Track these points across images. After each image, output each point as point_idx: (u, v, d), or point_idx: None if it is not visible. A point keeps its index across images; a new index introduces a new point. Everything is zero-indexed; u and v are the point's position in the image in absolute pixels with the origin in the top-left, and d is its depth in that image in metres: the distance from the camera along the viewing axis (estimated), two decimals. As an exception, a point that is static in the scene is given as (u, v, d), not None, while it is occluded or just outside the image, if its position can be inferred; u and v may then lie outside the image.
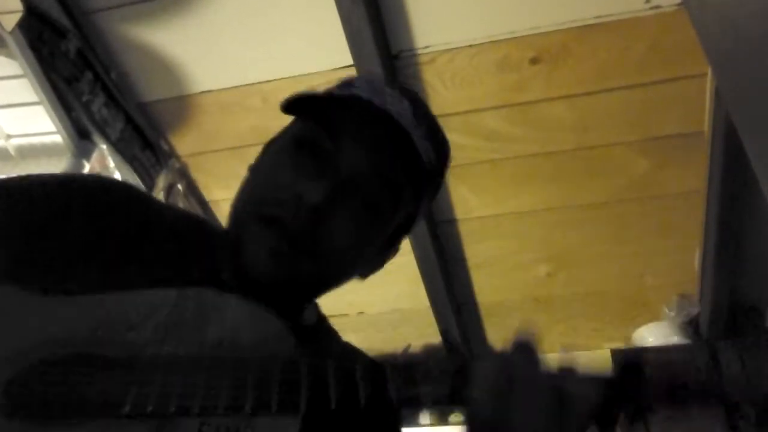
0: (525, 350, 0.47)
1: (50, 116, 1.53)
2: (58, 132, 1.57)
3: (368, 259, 0.65)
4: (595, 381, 0.47)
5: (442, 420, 2.16)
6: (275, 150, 0.63)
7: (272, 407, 0.43)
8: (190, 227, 0.70)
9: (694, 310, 2.25)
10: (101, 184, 0.68)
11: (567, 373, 0.47)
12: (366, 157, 0.58)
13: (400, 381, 0.46)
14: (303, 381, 0.44)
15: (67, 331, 0.48)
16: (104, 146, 1.60)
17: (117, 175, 1.65)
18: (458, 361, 0.47)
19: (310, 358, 0.47)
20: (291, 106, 0.62)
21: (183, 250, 0.63)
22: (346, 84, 0.65)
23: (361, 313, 2.24)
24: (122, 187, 0.72)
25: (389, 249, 0.68)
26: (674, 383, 0.46)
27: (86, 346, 0.47)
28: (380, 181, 0.58)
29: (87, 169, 1.57)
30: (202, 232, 0.70)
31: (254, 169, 0.63)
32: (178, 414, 0.42)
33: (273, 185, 0.58)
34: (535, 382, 0.45)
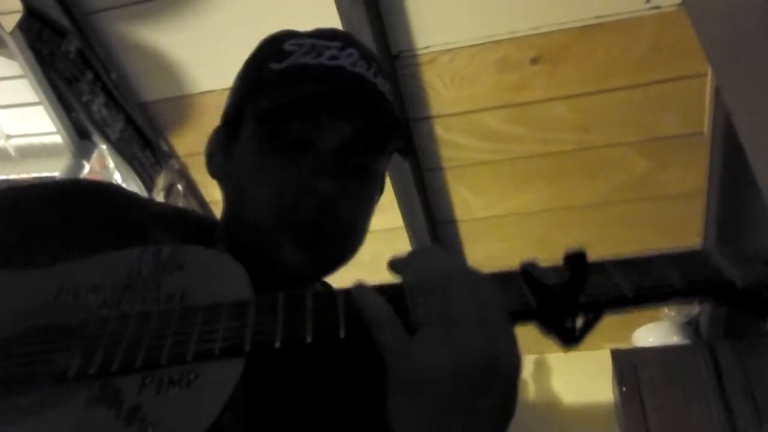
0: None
1: (50, 116, 1.53)
2: (58, 132, 1.57)
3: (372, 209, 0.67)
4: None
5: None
6: (259, 161, 0.61)
7: (216, 351, 0.42)
8: (179, 211, 0.71)
9: (694, 310, 2.25)
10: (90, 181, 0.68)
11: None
12: (342, 128, 0.59)
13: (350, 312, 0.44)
14: (248, 320, 0.44)
15: (28, 302, 0.48)
16: (104, 146, 1.60)
17: (117, 175, 1.66)
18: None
19: (259, 297, 0.46)
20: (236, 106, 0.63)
21: (170, 227, 0.64)
22: (279, 53, 0.62)
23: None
24: (116, 186, 0.74)
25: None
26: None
27: (45, 314, 0.47)
28: (363, 143, 0.60)
29: (87, 168, 1.57)
30: (192, 214, 0.71)
31: (252, 180, 0.62)
32: (120, 372, 0.42)
33: (279, 192, 0.59)
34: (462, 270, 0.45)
